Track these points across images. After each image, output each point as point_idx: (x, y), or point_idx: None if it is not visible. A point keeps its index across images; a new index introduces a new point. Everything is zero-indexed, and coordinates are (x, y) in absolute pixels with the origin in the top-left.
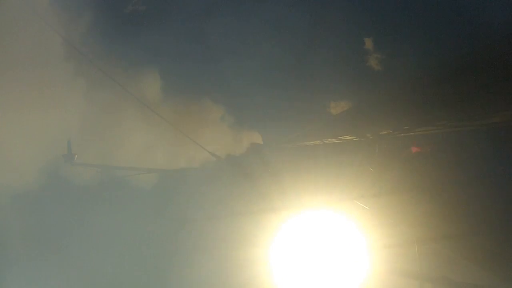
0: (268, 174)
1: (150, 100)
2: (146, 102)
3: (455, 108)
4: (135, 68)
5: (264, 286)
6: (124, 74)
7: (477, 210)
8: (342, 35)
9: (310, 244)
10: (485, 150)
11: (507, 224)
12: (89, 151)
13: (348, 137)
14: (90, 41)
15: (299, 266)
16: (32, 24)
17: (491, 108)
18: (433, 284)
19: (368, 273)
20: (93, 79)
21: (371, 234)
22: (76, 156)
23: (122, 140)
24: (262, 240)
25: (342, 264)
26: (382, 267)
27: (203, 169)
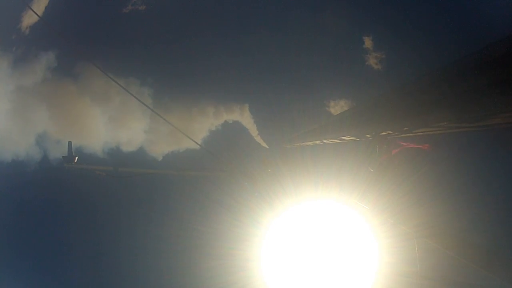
0: (268, 174)
1: None
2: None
3: (455, 109)
4: None
5: (262, 286)
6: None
7: (477, 210)
8: (342, 35)
9: (310, 244)
10: (485, 151)
11: (507, 224)
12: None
13: (348, 137)
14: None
15: (298, 266)
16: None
17: (492, 110)
18: (433, 284)
19: (368, 273)
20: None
21: (371, 234)
22: (77, 158)
23: (122, 140)
24: (261, 240)
25: (342, 264)
26: (382, 267)
27: (203, 169)
